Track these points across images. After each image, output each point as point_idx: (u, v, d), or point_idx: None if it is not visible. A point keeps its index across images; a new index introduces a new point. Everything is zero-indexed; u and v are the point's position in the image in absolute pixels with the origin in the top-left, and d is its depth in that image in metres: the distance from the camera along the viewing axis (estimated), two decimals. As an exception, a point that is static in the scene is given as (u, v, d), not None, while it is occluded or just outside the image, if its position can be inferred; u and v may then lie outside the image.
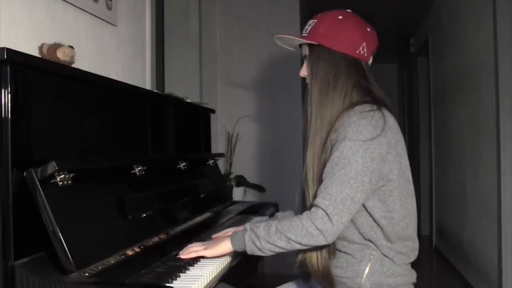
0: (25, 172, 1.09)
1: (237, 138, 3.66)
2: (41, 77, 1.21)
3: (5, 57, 1.06)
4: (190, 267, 1.28)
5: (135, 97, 1.72)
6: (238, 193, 3.45)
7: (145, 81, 2.33)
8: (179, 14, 3.34)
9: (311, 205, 1.25)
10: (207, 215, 1.91)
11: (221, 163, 3.41)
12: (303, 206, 1.35)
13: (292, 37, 1.39)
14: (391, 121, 1.29)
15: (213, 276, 1.26)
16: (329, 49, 1.32)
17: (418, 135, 5.59)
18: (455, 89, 3.93)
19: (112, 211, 1.32)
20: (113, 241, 1.26)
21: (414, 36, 5.76)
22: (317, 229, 1.20)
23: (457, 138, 3.91)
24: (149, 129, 1.78)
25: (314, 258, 1.29)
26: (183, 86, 3.16)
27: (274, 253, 1.27)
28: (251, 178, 3.61)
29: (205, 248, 1.36)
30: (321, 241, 1.22)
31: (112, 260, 1.19)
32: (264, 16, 3.74)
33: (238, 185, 3.50)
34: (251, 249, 1.28)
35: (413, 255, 1.34)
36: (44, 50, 1.45)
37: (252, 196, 3.62)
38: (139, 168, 1.52)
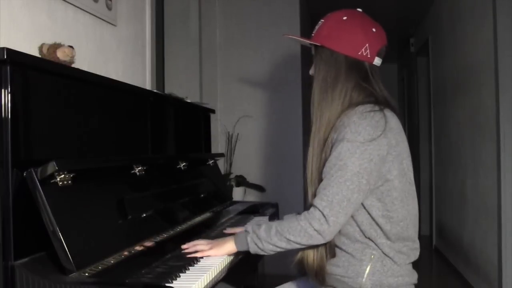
0: (25, 172, 1.09)
1: (237, 138, 3.66)
2: (41, 77, 1.21)
3: (5, 57, 1.06)
4: (190, 267, 1.28)
5: (135, 97, 1.72)
6: (238, 193, 3.45)
7: (145, 81, 2.33)
8: (179, 14, 3.33)
9: (310, 205, 1.28)
10: (207, 215, 1.91)
11: (221, 163, 3.41)
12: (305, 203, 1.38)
13: (298, 39, 1.43)
14: (393, 122, 1.29)
15: (213, 276, 1.26)
16: (331, 50, 1.33)
17: (418, 135, 5.59)
18: (455, 89, 3.93)
19: (112, 211, 1.32)
20: (113, 241, 1.26)
21: (414, 36, 5.76)
22: (315, 230, 1.24)
23: (457, 138, 3.91)
24: (149, 129, 1.78)
25: (311, 256, 1.33)
26: (183, 86, 3.15)
27: (276, 252, 1.32)
28: (251, 178, 3.61)
29: (211, 248, 1.40)
30: (320, 241, 1.26)
31: (112, 260, 1.19)
32: (264, 16, 3.74)
33: (238, 185, 3.50)
34: (254, 250, 1.33)
35: (414, 255, 1.34)
36: (44, 50, 1.45)
37: (252, 196, 3.62)
38: (139, 168, 1.52)
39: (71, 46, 1.49)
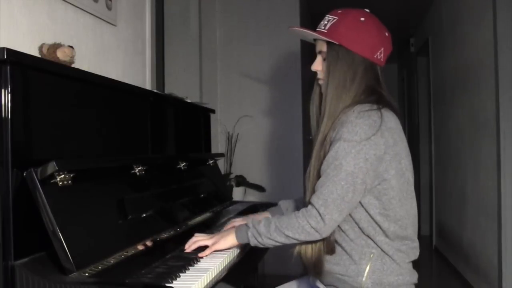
0: (25, 172, 1.09)
1: (237, 138, 3.66)
2: (41, 77, 1.21)
3: (5, 57, 1.06)
4: (190, 267, 1.28)
5: (135, 97, 1.72)
6: (238, 193, 3.45)
7: (145, 81, 2.33)
8: (179, 14, 3.33)
9: (308, 202, 1.31)
10: (207, 215, 1.91)
11: (221, 163, 3.41)
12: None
13: (311, 33, 1.39)
14: (392, 122, 1.29)
15: (213, 276, 1.26)
16: (348, 50, 1.33)
17: (418, 135, 5.59)
18: (455, 89, 3.93)
19: (112, 211, 1.32)
20: (113, 241, 1.26)
21: (414, 36, 5.76)
22: (312, 227, 1.27)
23: (457, 138, 3.91)
24: (149, 129, 1.78)
25: (309, 250, 1.35)
26: (183, 86, 3.15)
27: (276, 246, 1.36)
28: (251, 178, 3.61)
29: (214, 242, 1.40)
30: (317, 237, 1.29)
31: (112, 260, 1.19)
32: (264, 16, 3.74)
33: (238, 185, 3.50)
34: (254, 244, 1.36)
35: (413, 254, 1.34)
36: (44, 50, 1.45)
37: (252, 196, 3.62)
38: (139, 168, 1.52)
39: (71, 46, 1.49)
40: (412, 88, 6.02)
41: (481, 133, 3.23)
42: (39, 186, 1.08)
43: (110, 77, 1.78)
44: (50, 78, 1.24)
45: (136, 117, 1.71)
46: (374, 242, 1.30)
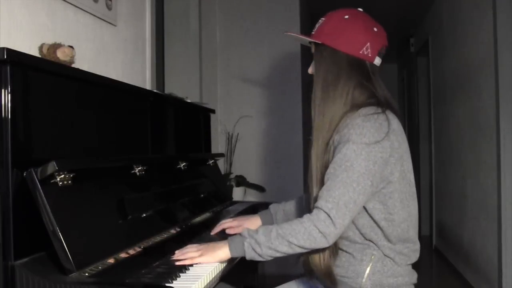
0: (25, 172, 1.09)
1: (237, 138, 3.66)
2: (41, 77, 1.21)
3: (5, 57, 1.06)
4: (190, 267, 1.28)
5: (135, 97, 1.72)
6: (238, 193, 3.44)
7: (145, 81, 2.33)
8: (179, 14, 3.33)
9: (313, 207, 1.25)
10: (207, 215, 1.91)
11: (221, 163, 3.41)
12: (306, 205, 1.36)
13: (299, 36, 1.41)
14: (395, 124, 1.28)
15: (213, 276, 1.26)
16: (332, 48, 1.33)
17: (418, 135, 5.59)
18: (455, 89, 3.93)
19: (112, 211, 1.32)
20: (113, 241, 1.26)
21: (414, 36, 5.76)
22: (320, 232, 1.19)
23: (457, 138, 3.91)
24: (149, 129, 1.78)
25: (316, 259, 1.29)
26: (183, 86, 3.15)
27: (273, 258, 1.26)
28: (251, 178, 3.61)
29: (201, 255, 1.31)
30: (323, 244, 1.22)
31: (112, 260, 1.19)
32: (264, 16, 3.74)
33: (238, 185, 3.50)
34: (250, 256, 1.27)
35: (414, 256, 1.34)
36: (44, 50, 1.45)
37: (252, 196, 3.61)
38: (139, 168, 1.52)
39: (71, 46, 1.49)
40: (412, 88, 6.02)
41: (481, 133, 3.23)
42: (39, 186, 1.08)
43: (110, 77, 1.78)
44: (50, 78, 1.24)
45: (136, 117, 1.71)
46: (376, 246, 1.29)
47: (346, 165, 1.21)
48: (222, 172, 3.20)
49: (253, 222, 1.66)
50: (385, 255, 1.28)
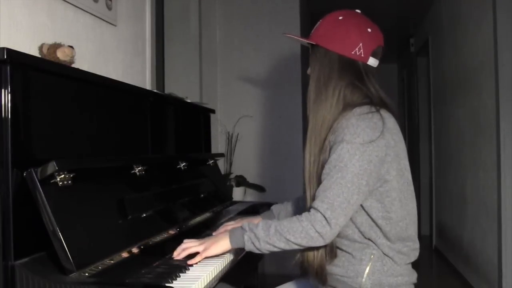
0: (25, 172, 1.09)
1: (237, 138, 3.66)
2: (41, 77, 1.21)
3: (5, 57, 1.06)
4: (190, 267, 1.28)
5: (135, 97, 1.72)
6: (238, 193, 3.45)
7: (145, 81, 2.33)
8: (179, 14, 3.33)
9: (310, 207, 1.27)
10: (207, 215, 1.91)
11: (221, 163, 3.41)
12: (304, 205, 1.36)
13: (296, 38, 1.44)
14: (391, 123, 1.29)
15: (213, 276, 1.26)
16: (325, 49, 1.34)
17: (418, 135, 5.59)
18: (455, 89, 3.93)
19: (112, 211, 1.32)
20: (113, 241, 1.26)
21: (414, 36, 5.76)
22: (316, 231, 1.22)
23: (457, 138, 3.91)
24: (149, 129, 1.78)
25: (311, 256, 1.31)
26: (183, 86, 3.15)
27: (271, 252, 1.30)
28: (251, 178, 3.61)
29: (204, 248, 1.34)
30: (320, 243, 1.25)
31: (112, 260, 1.19)
32: (264, 16, 3.74)
33: (238, 185, 3.50)
34: (249, 248, 1.31)
35: (414, 256, 1.34)
36: (44, 50, 1.45)
37: (252, 196, 3.62)
38: (139, 168, 1.52)
39: (71, 46, 1.49)
40: (412, 88, 6.02)
41: (481, 133, 3.23)
42: (39, 186, 1.08)
43: (110, 77, 1.78)
44: (50, 78, 1.24)
45: (136, 117, 1.71)
46: (376, 245, 1.29)
47: (340, 166, 1.22)
48: (222, 172, 3.20)
49: None
50: (385, 254, 1.29)
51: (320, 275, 1.32)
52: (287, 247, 1.26)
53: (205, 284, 1.20)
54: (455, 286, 3.65)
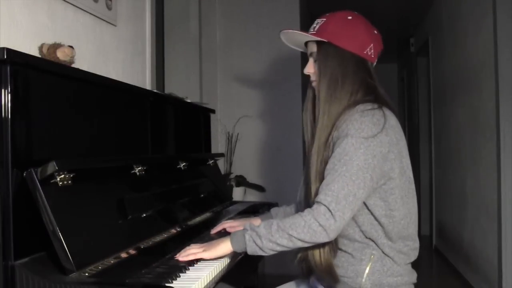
0: (25, 172, 1.09)
1: (237, 138, 3.66)
2: (41, 77, 1.21)
3: (5, 57, 1.06)
4: (190, 267, 1.28)
5: (135, 97, 1.72)
6: (238, 193, 3.45)
7: (145, 81, 2.33)
8: (179, 14, 3.33)
9: (313, 202, 1.25)
10: (207, 215, 1.91)
11: (221, 163, 3.41)
12: (306, 203, 1.36)
13: (301, 33, 1.39)
14: (392, 120, 1.30)
15: (213, 276, 1.26)
16: (338, 47, 1.33)
17: (418, 135, 5.59)
18: (455, 89, 3.93)
19: (112, 211, 1.32)
20: (113, 241, 1.26)
21: (414, 36, 5.76)
22: (320, 225, 1.19)
23: (457, 138, 3.91)
24: (149, 129, 1.78)
25: (317, 255, 1.29)
26: (183, 86, 3.16)
27: (275, 252, 1.26)
28: (251, 178, 3.61)
29: (204, 250, 1.33)
30: (324, 238, 1.21)
31: (112, 260, 1.19)
32: (264, 16, 3.74)
33: (238, 185, 3.50)
34: (252, 249, 1.27)
35: (414, 255, 1.34)
36: (44, 50, 1.45)
37: (252, 196, 3.62)
38: (139, 168, 1.52)
39: (71, 46, 1.49)
40: (412, 88, 6.01)
41: (481, 133, 3.23)
42: (39, 186, 1.08)
43: (110, 77, 1.78)
44: (50, 78, 1.24)
45: (136, 117, 1.71)
46: (376, 244, 1.29)
47: (345, 159, 1.22)
48: (222, 172, 3.20)
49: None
50: (385, 254, 1.29)
51: (330, 273, 1.29)
52: (290, 244, 1.23)
53: (205, 284, 1.20)
54: (455, 286, 3.65)
